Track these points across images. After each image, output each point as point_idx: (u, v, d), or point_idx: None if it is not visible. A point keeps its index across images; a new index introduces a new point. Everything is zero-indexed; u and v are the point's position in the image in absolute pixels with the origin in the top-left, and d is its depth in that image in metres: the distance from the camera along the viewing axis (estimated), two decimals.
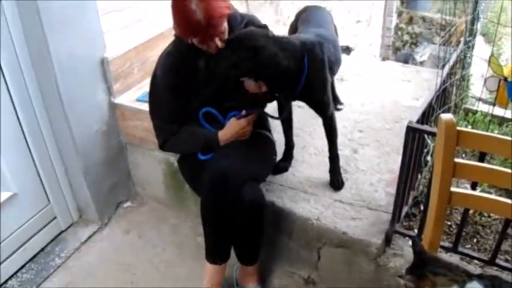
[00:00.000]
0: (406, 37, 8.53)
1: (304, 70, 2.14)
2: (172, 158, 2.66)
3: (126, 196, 3.03)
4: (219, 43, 2.00)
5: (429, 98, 2.18)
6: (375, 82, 3.46)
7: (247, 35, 2.04)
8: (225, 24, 1.99)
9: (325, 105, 2.32)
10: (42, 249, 2.69)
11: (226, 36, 2.04)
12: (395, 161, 2.57)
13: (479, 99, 3.21)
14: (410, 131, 1.88)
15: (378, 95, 3.28)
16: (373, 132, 2.88)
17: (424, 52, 7.95)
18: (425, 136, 2.17)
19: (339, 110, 3.06)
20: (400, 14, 8.73)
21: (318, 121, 2.85)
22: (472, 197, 1.56)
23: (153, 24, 2.85)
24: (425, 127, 1.97)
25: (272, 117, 2.40)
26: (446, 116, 1.42)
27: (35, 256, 2.65)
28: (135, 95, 2.70)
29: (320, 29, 2.36)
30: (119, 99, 2.69)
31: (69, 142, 2.57)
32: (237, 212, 2.10)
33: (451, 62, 2.84)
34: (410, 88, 3.37)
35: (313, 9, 2.65)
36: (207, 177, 2.09)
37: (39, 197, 2.64)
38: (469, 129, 1.46)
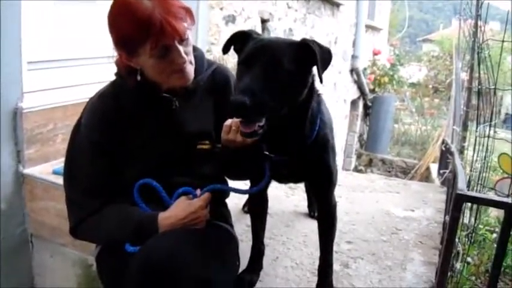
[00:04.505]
0: None
1: (320, 112, 1.58)
2: (91, 258, 1.85)
3: None
4: (184, 55, 1.45)
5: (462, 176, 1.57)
6: (357, 192, 2.97)
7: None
8: (189, 27, 1.46)
9: (332, 179, 1.69)
10: None
11: (191, 54, 1.51)
12: (403, 278, 1.99)
13: None
14: (462, 201, 1.23)
15: (363, 205, 2.78)
16: (366, 244, 2.27)
17: None
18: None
19: None
20: (359, 156, 8.59)
21: (292, 230, 2.41)
22: None
23: (92, 89, 2.23)
24: (484, 196, 1.35)
25: (242, 191, 1.72)
26: None
27: None
28: (52, 168, 1.99)
29: None
30: (30, 170, 2.00)
31: None
32: None
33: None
34: (401, 199, 2.92)
35: None
36: (134, 273, 1.34)
37: None
38: None
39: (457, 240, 1.66)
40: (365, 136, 8.86)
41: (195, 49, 1.60)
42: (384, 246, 2.25)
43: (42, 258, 2.13)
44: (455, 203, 1.24)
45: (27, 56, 2.00)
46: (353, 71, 7.21)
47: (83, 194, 1.54)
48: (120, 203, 1.53)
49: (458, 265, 1.81)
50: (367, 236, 2.35)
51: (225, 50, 1.51)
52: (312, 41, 1.40)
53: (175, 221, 1.48)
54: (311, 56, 1.37)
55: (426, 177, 7.27)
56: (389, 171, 8.35)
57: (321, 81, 1.40)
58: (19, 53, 1.92)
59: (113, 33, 1.45)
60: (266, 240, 2.00)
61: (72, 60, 2.34)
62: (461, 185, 1.29)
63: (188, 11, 1.47)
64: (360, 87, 7.72)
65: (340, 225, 2.35)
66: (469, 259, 1.97)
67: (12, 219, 2.01)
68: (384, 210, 2.67)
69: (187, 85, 1.54)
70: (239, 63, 1.40)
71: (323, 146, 1.61)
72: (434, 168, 6.41)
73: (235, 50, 1.49)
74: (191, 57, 1.51)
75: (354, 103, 7.85)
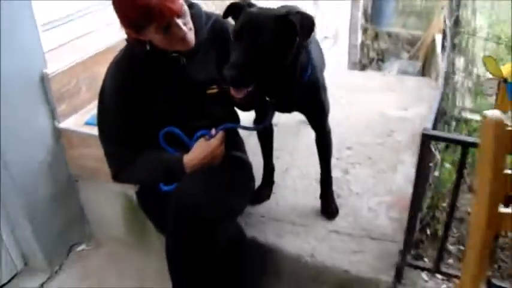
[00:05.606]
0: (372, 54, 8.36)
1: (310, 59, 1.80)
2: (131, 190, 2.23)
3: (79, 238, 2.59)
4: (184, 27, 1.67)
5: (436, 105, 1.82)
6: (356, 94, 3.16)
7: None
8: (182, 1, 1.66)
9: (325, 111, 1.97)
10: None
11: (190, 22, 1.72)
12: (394, 181, 2.27)
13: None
14: (428, 139, 1.50)
15: (362, 107, 2.98)
16: (363, 149, 2.55)
17: (391, 68, 7.78)
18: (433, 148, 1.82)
19: None
20: (365, 31, 8.60)
21: (299, 140, 2.62)
22: None
23: (102, 36, 2.47)
24: (445, 134, 1.61)
25: (250, 128, 2.01)
26: (493, 114, 1.05)
27: None
28: (83, 118, 2.29)
29: None
30: (65, 124, 2.28)
31: (6, 178, 2.14)
32: (211, 255, 1.69)
33: (444, 67, 2.54)
34: (396, 98, 3.08)
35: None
36: (171, 213, 1.68)
37: None
38: None
39: (433, 149, 1.94)
40: (369, 10, 8.79)
41: (193, 6, 1.80)
42: (379, 149, 2.52)
43: (87, 193, 2.48)
44: (422, 142, 1.49)
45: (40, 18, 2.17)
46: None
47: (116, 146, 1.86)
48: (151, 150, 1.84)
49: (436, 173, 2.10)
50: (364, 139, 2.61)
51: (224, 17, 1.73)
52: (294, 13, 1.58)
53: (198, 161, 1.79)
54: (294, 25, 1.56)
55: (432, 50, 7.36)
56: (395, 44, 8.40)
57: (302, 46, 1.64)
58: (34, 22, 2.10)
59: (119, 17, 1.65)
60: (276, 152, 2.27)
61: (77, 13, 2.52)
62: (428, 125, 1.53)
63: None
64: None
65: (341, 131, 2.65)
66: (447, 165, 2.24)
67: (57, 167, 2.33)
68: (380, 111, 2.89)
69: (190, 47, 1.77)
70: (232, 34, 1.62)
71: (315, 87, 1.86)
72: (439, 39, 6.47)
73: (232, 17, 1.70)
74: (190, 25, 1.72)
75: None
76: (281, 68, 1.65)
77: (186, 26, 1.69)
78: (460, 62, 3.36)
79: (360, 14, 8.28)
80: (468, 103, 3.43)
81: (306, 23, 1.58)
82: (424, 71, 7.09)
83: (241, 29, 1.58)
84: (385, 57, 8.35)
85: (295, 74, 1.74)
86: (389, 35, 8.47)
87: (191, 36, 1.73)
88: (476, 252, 1.18)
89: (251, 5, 1.67)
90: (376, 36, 8.54)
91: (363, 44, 8.44)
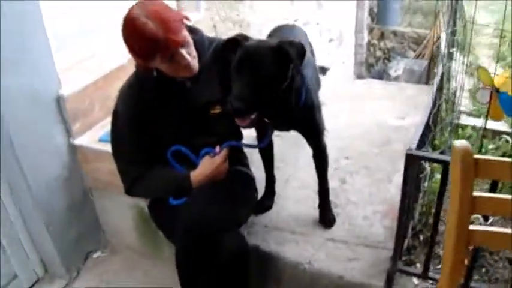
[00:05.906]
0: (378, 53, 8.43)
1: (304, 84, 1.93)
2: (143, 202, 2.39)
3: (95, 245, 2.76)
4: (187, 56, 1.80)
5: (425, 119, 1.95)
6: (357, 103, 3.27)
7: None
8: (186, 32, 1.80)
9: (320, 130, 2.12)
10: None
11: (193, 50, 1.85)
12: (389, 190, 2.38)
13: (470, 114, 3.05)
14: (411, 159, 1.63)
15: (361, 117, 3.09)
16: (361, 158, 2.66)
17: (398, 67, 7.87)
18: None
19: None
20: (371, 30, 8.66)
21: (300, 151, 2.68)
22: (500, 236, 1.30)
23: (112, 57, 2.61)
24: (427, 154, 1.74)
25: (252, 146, 2.16)
26: (461, 144, 1.18)
27: None
28: (97, 135, 2.45)
29: None
30: (79, 140, 2.45)
31: (25, 192, 2.31)
32: (217, 264, 1.85)
33: (439, 76, 2.64)
34: (395, 106, 3.19)
35: (287, 29, 2.44)
36: (179, 227, 1.84)
37: None
38: (488, 157, 1.22)
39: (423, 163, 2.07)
40: (375, 10, 8.84)
41: (196, 33, 1.95)
42: (376, 158, 2.63)
43: (102, 204, 2.65)
44: (406, 161, 1.62)
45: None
46: None
47: (128, 164, 2.03)
48: (160, 166, 2.00)
49: (426, 184, 2.22)
50: (362, 149, 2.72)
51: (223, 48, 1.88)
52: (287, 43, 1.73)
53: (204, 177, 1.95)
54: (288, 55, 1.71)
55: (437, 47, 7.41)
56: (401, 43, 8.46)
57: (296, 71, 1.78)
58: (49, 46, 2.25)
59: (128, 48, 1.79)
60: (277, 163, 2.40)
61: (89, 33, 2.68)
62: (412, 145, 1.66)
63: (183, 19, 1.80)
64: None
65: (339, 142, 2.78)
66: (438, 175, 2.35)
67: (73, 180, 2.50)
68: (379, 120, 2.99)
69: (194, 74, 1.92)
70: (232, 68, 1.76)
71: (310, 108, 2.00)
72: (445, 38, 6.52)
73: (229, 50, 1.84)
74: (194, 53, 1.86)
75: None
76: (279, 93, 1.79)
77: (190, 55, 1.83)
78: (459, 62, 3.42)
79: (365, 13, 8.36)
80: (466, 107, 3.52)
81: (298, 51, 1.73)
82: (430, 69, 7.15)
83: (241, 63, 1.73)
84: (391, 56, 8.41)
85: (291, 98, 1.88)
86: (395, 33, 8.52)
87: (194, 63, 1.87)
88: (450, 262, 1.32)
89: (247, 39, 1.81)
90: (382, 35, 8.61)
91: (369, 43, 8.52)
